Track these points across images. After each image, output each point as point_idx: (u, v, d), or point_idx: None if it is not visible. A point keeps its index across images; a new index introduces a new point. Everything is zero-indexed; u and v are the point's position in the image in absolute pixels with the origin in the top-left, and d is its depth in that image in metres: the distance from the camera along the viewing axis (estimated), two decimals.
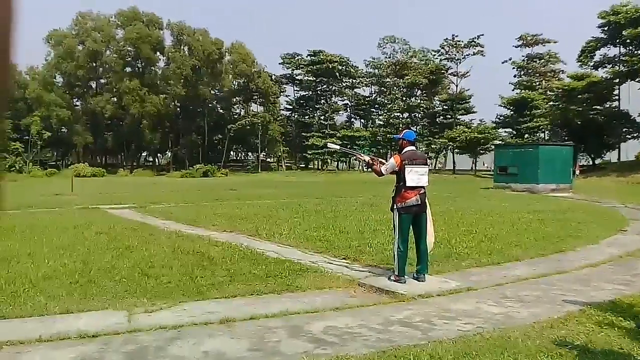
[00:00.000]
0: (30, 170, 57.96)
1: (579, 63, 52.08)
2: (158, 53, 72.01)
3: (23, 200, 19.13)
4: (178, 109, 73.71)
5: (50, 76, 68.03)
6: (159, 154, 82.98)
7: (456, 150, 63.83)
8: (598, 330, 4.76)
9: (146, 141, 68.69)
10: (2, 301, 5.59)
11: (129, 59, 70.62)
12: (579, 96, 48.66)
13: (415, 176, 6.73)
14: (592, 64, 51.40)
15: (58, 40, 67.32)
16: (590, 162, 52.37)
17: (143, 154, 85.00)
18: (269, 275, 6.96)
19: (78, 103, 73.38)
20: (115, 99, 68.53)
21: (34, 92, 64.37)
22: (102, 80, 72.70)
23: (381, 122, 71.92)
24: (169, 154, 78.40)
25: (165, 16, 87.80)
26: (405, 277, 6.66)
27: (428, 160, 7.02)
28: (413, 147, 7.02)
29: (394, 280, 6.60)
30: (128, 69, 71.02)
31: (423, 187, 6.82)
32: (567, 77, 55.36)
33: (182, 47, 71.37)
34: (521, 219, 13.44)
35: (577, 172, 40.00)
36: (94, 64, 70.14)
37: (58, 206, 17.28)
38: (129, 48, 69.00)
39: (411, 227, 6.84)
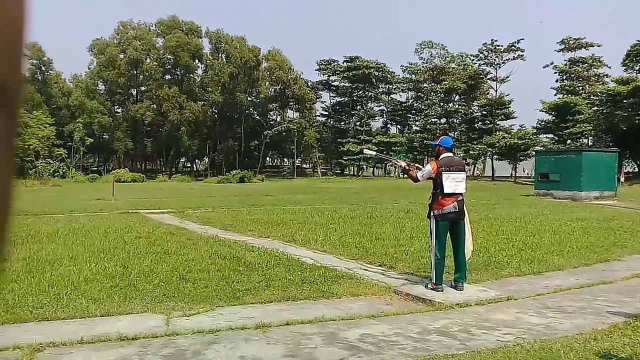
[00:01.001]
0: (73, 176, 59.62)
1: (624, 67, 50.62)
2: (197, 61, 73.25)
3: (66, 205, 19.71)
4: (216, 116, 74.73)
5: (92, 84, 69.90)
6: (196, 160, 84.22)
7: (495, 156, 62.64)
8: None
9: (184, 147, 69.83)
10: (45, 303, 5.74)
11: (169, 66, 72.03)
12: (624, 101, 47.19)
13: (453, 183, 6.64)
14: (637, 67, 49.92)
15: (101, 49, 69.22)
16: (636, 169, 50.70)
17: (181, 160, 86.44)
18: (304, 281, 6.96)
19: (119, 110, 75.20)
20: (154, 106, 69.87)
21: (77, 100, 66.29)
22: (142, 88, 74.26)
23: (418, 128, 71.10)
24: (207, 159, 79.47)
25: (203, 24, 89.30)
26: (443, 285, 6.56)
27: (466, 167, 6.91)
28: (450, 154, 6.94)
29: (431, 289, 6.51)
30: (167, 77, 72.43)
31: (461, 194, 6.74)
32: (612, 81, 53.78)
33: (220, 54, 72.40)
34: (563, 227, 13.10)
35: (622, 179, 38.73)
36: (135, 72, 71.78)
37: (99, 211, 17.72)
38: (168, 56, 70.39)
39: (449, 234, 6.75)
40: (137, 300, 5.93)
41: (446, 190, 6.63)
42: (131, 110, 69.56)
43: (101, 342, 4.65)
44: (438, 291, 6.44)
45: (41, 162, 53.58)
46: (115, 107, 74.68)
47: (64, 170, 59.90)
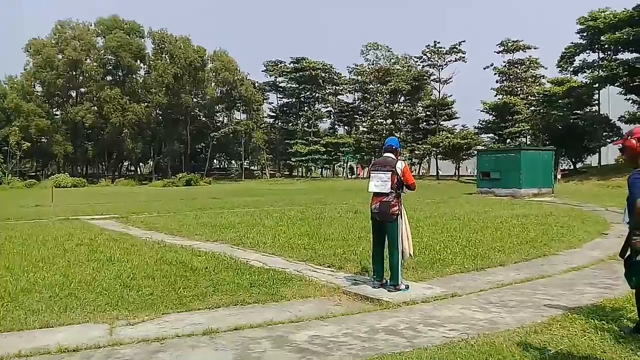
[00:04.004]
0: (10, 182, 57.03)
1: (559, 68, 52.83)
2: (139, 61, 71.57)
3: (1, 212, 18.84)
4: (160, 118, 73.21)
5: (29, 85, 67.08)
6: (141, 163, 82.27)
7: (439, 155, 64.26)
8: (581, 334, 4.79)
9: (128, 150, 68.06)
10: None
11: (110, 67, 70.09)
12: (560, 101, 49.33)
13: (372, 183, 6.75)
14: (571, 69, 52.18)
15: (37, 49, 66.43)
16: (572, 166, 53.05)
17: (125, 164, 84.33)
18: (253, 284, 6.91)
19: (58, 112, 72.51)
20: (95, 108, 67.83)
21: (12, 102, 63.45)
22: (82, 89, 71.89)
23: (365, 129, 71.97)
24: (151, 163, 77.79)
25: (146, 24, 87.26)
26: (376, 281, 6.73)
27: (399, 165, 6.72)
28: (389, 154, 6.85)
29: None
30: (109, 78, 70.47)
31: (386, 194, 6.58)
32: (548, 82, 56.12)
33: (163, 55, 70.87)
34: (504, 224, 13.53)
35: (559, 176, 40.45)
36: (74, 73, 69.30)
37: (38, 218, 17.02)
38: (109, 56, 68.50)
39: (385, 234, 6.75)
40: (79, 310, 5.73)
41: (369, 189, 6.78)
42: (71, 113, 67.17)
43: (40, 355, 4.47)
44: (373, 287, 6.63)
45: None
46: (54, 110, 71.98)
47: None
